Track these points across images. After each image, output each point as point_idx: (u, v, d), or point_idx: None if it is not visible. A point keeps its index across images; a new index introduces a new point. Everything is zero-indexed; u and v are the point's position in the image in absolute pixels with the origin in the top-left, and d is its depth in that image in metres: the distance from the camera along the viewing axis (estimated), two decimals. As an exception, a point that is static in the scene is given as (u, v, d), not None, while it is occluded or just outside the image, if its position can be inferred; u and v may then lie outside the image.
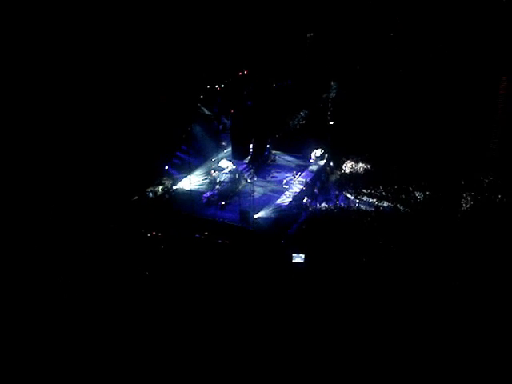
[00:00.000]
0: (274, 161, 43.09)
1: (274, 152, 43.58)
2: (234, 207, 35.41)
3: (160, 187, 38.04)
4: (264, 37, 43.53)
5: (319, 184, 39.90)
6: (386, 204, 36.41)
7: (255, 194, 36.11)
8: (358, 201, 37.20)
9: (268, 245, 31.66)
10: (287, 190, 38.14)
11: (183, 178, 38.73)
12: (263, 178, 40.20)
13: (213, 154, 40.59)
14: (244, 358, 23.20)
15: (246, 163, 39.86)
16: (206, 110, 39.62)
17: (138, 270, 28.77)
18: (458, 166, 39.40)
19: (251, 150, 38.58)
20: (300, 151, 43.70)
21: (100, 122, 37.40)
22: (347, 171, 41.89)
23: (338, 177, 41.55)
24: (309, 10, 47.35)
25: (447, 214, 34.22)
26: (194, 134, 40.21)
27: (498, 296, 26.28)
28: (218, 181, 37.91)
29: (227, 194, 37.08)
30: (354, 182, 39.79)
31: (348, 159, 43.00)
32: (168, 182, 38.63)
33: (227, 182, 37.83)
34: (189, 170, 38.18)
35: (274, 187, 39.00)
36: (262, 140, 39.88)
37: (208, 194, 37.02)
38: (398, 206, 36.05)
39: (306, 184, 38.54)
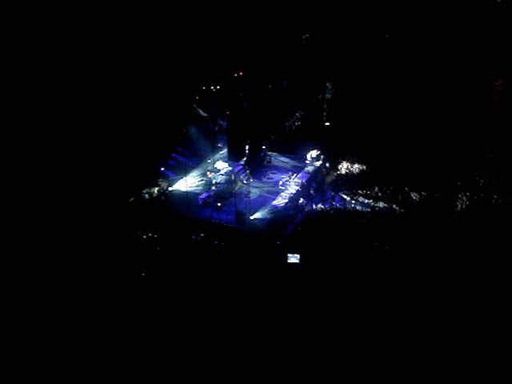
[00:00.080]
0: (270, 162, 43.11)
1: (269, 153, 43.60)
2: (230, 208, 35.40)
3: (156, 189, 38.00)
4: (259, 38, 43.55)
5: (315, 185, 39.92)
6: (381, 205, 36.47)
7: (251, 195, 36.12)
8: (353, 202, 37.26)
9: (264, 246, 31.65)
10: (283, 191, 38.16)
11: (179, 179, 38.70)
12: (259, 179, 40.23)
13: (208, 155, 40.57)
14: (241, 357, 23.18)
15: (241, 164, 39.87)
16: (201, 112, 39.54)
17: (134, 271, 28.70)
18: (453, 167, 39.51)
19: (247, 152, 38.59)
20: (296, 152, 43.74)
21: (96, 123, 37.35)
22: (343, 172, 41.95)
23: (334, 178, 41.59)
24: (304, 11, 47.41)
25: (443, 215, 34.29)
26: (190, 135, 40.17)
27: (494, 296, 26.34)
28: (213, 182, 37.89)
29: (223, 195, 37.08)
30: (349, 182, 39.85)
31: (344, 160, 43.06)
32: (164, 184, 38.60)
33: (223, 184, 37.82)
34: (185, 171, 38.14)
35: (270, 188, 39.01)
36: (257, 141, 39.90)
37: (204, 195, 37.02)
38: (393, 206, 36.11)
39: (302, 185, 38.56)
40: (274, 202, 36.75)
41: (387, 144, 43.05)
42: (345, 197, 38.01)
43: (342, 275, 28.28)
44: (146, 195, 37.27)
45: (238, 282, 27.95)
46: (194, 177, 39.52)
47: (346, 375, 22.48)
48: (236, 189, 38.51)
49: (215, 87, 38.86)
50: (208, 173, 39.40)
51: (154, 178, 38.65)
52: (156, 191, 37.88)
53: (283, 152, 44.40)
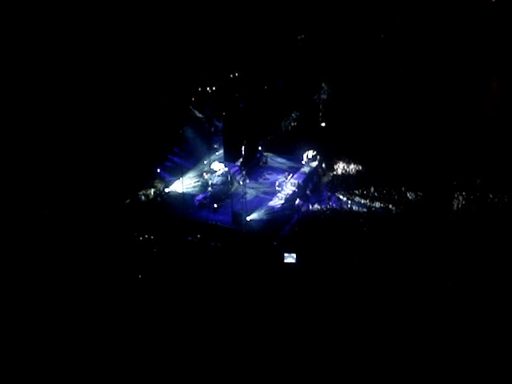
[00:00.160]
0: (266, 163, 43.07)
1: (265, 154, 43.56)
2: (227, 209, 35.41)
3: (152, 190, 37.96)
4: (255, 39, 43.61)
5: (311, 185, 39.93)
6: (378, 205, 36.53)
7: (247, 196, 36.16)
8: (350, 202, 37.30)
9: (260, 247, 31.67)
10: (279, 191, 38.17)
11: (175, 180, 38.67)
12: (255, 180, 40.21)
13: (205, 156, 40.54)
14: (239, 357, 23.20)
15: (238, 165, 39.90)
16: (197, 113, 39.57)
17: (131, 273, 28.68)
18: (449, 167, 39.61)
19: (243, 153, 38.60)
20: (292, 153, 43.72)
21: (92, 125, 37.30)
22: (339, 172, 41.99)
23: (330, 178, 41.62)
24: (299, 12, 47.50)
25: (439, 215, 34.38)
26: (186, 136, 40.18)
27: (491, 295, 26.42)
28: (210, 183, 37.89)
29: (219, 196, 37.09)
30: (346, 183, 39.89)
31: (340, 161, 43.10)
32: (160, 185, 38.56)
33: (219, 185, 37.83)
34: (181, 172, 38.11)
35: (267, 189, 39.01)
36: (253, 142, 39.92)
37: (200, 196, 37.01)
38: (390, 206, 36.18)
39: (298, 186, 38.59)
40: (271, 203, 36.78)
41: (383, 144, 43.13)
42: (341, 197, 38.06)
43: (339, 275, 28.33)
44: (143, 197, 37.23)
45: (235, 282, 27.95)
46: (190, 178, 39.50)
47: (342, 374, 22.50)
48: (232, 190, 38.51)
49: (211, 88, 38.91)
50: (204, 174, 39.39)
51: (150, 180, 38.60)
52: (152, 192, 37.83)
53: (279, 153, 44.38)
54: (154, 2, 41.33)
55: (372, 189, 38.04)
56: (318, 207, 36.90)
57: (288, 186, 38.67)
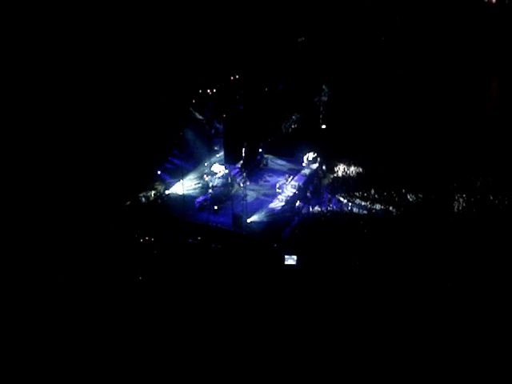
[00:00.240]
0: (267, 165, 43.11)
1: (266, 156, 43.61)
2: (227, 211, 35.39)
3: (152, 192, 37.94)
4: (256, 41, 43.65)
5: (312, 188, 39.96)
6: (378, 207, 36.52)
7: (248, 198, 36.13)
8: (350, 204, 37.29)
9: (261, 249, 31.65)
10: (280, 193, 38.18)
11: (176, 182, 38.71)
12: (256, 182, 40.23)
13: (205, 158, 40.55)
14: (239, 358, 23.19)
15: (238, 167, 39.91)
16: (198, 115, 39.57)
17: (131, 274, 28.66)
18: (449, 168, 39.62)
19: (243, 155, 38.60)
20: (292, 155, 43.79)
21: (93, 126, 37.30)
22: (340, 174, 42.00)
23: (331, 180, 41.63)
24: (300, 14, 47.58)
25: (439, 217, 34.37)
26: (187, 138, 40.19)
27: (491, 297, 26.40)
28: (210, 185, 37.89)
29: (220, 198, 37.08)
30: (346, 185, 39.89)
31: (340, 163, 43.12)
32: (160, 187, 38.55)
33: (220, 187, 37.83)
34: (181, 174, 38.13)
35: (267, 191, 39.03)
36: (254, 144, 39.92)
37: (201, 198, 36.99)
38: (390, 208, 36.17)
39: (299, 188, 38.60)
40: (271, 205, 36.79)
41: (384, 146, 43.16)
42: (341, 199, 38.05)
43: (339, 277, 28.31)
44: (143, 198, 37.21)
45: (236, 284, 27.93)
46: (190, 180, 39.54)
47: (342, 375, 22.49)
48: (233, 192, 38.50)
49: (211, 90, 38.92)
50: (205, 176, 39.41)
51: (150, 182, 38.58)
52: (153, 194, 37.82)
53: (280, 155, 44.44)
54: (155, 4, 41.38)
55: (372, 191, 38.04)
56: (319, 209, 36.88)
57: (288, 188, 38.70)
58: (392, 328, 24.77)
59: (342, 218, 35.34)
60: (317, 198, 38.96)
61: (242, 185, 37.59)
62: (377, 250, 30.65)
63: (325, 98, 46.83)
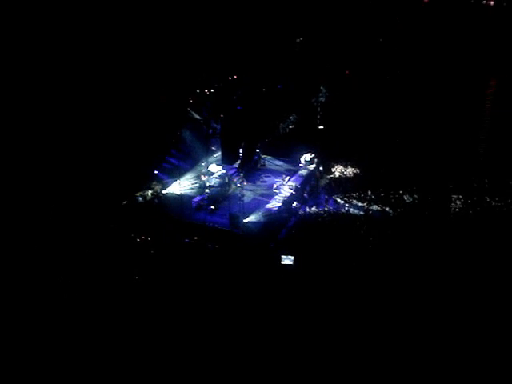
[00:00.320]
0: (264, 165, 43.16)
1: (263, 156, 43.65)
2: (224, 212, 35.40)
3: (149, 192, 37.93)
4: (254, 41, 43.64)
5: (309, 188, 40.01)
6: (375, 208, 36.57)
7: (245, 198, 36.13)
8: (347, 205, 37.33)
9: (258, 249, 31.66)
10: (277, 194, 38.20)
11: (173, 182, 38.71)
12: (253, 182, 40.24)
13: (202, 158, 40.55)
14: (236, 358, 23.20)
15: (235, 168, 39.91)
16: (195, 115, 39.58)
17: (127, 274, 28.65)
18: (446, 170, 39.70)
19: (241, 155, 38.63)
20: (289, 156, 43.83)
21: (89, 126, 37.28)
22: (337, 175, 42.06)
23: (328, 181, 41.67)
24: (298, 15, 47.59)
25: (436, 218, 34.44)
26: (184, 138, 40.20)
27: (487, 297, 26.47)
28: (207, 185, 37.86)
29: (217, 198, 37.07)
30: (343, 186, 39.94)
31: (337, 163, 43.17)
32: (157, 187, 38.54)
33: (217, 187, 37.80)
34: (178, 174, 38.14)
35: (264, 191, 39.05)
36: (251, 144, 39.95)
37: (198, 198, 36.99)
38: (387, 209, 36.23)
39: (296, 188, 38.63)
40: (268, 206, 36.80)
41: (381, 147, 43.23)
42: (338, 200, 38.08)
43: (336, 277, 28.34)
44: (140, 198, 37.18)
45: (233, 284, 27.94)
46: (187, 180, 39.54)
47: (339, 375, 22.53)
48: (230, 192, 38.53)
49: (209, 90, 38.92)
50: (202, 176, 39.40)
51: (147, 181, 38.58)
52: (150, 194, 37.81)
53: (277, 155, 44.49)
54: (153, 4, 41.36)
55: (369, 192, 38.09)
56: (316, 210, 36.91)
57: (285, 188, 38.73)
58: (389, 328, 24.82)
59: (338, 218, 35.36)
60: (314, 199, 38.98)
61: (239, 185, 37.58)
62: (373, 250, 30.71)
63: (322, 99, 46.82)
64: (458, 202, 36.23)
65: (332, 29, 49.14)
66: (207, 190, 37.42)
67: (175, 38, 40.86)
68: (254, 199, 37.86)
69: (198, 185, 39.13)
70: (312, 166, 42.36)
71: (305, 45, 48.78)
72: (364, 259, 29.87)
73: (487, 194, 36.69)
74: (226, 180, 38.66)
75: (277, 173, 41.67)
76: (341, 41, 49.35)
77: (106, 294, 27.14)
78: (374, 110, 47.29)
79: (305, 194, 38.98)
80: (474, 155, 41.60)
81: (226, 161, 37.41)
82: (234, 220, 33.91)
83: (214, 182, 38.17)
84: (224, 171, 39.40)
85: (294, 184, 39.11)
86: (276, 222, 35.20)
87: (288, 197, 37.75)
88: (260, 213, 35.64)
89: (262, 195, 38.52)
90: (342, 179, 41.29)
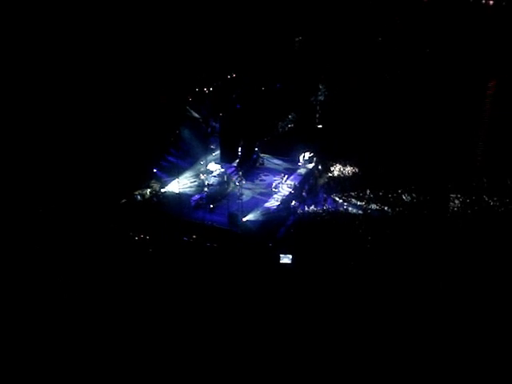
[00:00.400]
0: (263, 164, 43.16)
1: (262, 155, 43.65)
2: (223, 210, 35.40)
3: (148, 190, 37.92)
4: (253, 40, 43.62)
5: (307, 187, 40.01)
6: (373, 207, 36.59)
7: (244, 197, 36.13)
8: (346, 204, 37.35)
9: (256, 248, 31.68)
10: (275, 193, 38.21)
11: (172, 180, 38.69)
12: (252, 181, 40.24)
13: (201, 157, 40.56)
14: (235, 357, 23.22)
15: (234, 166, 39.90)
16: (194, 113, 39.57)
17: (126, 272, 28.65)
18: (445, 169, 39.72)
19: (240, 153, 38.63)
20: (288, 154, 43.81)
21: (88, 124, 37.25)
22: (335, 174, 42.07)
23: (327, 180, 41.69)
24: (297, 13, 47.55)
25: (434, 217, 34.47)
26: (183, 136, 40.17)
27: (486, 296, 26.52)
28: (206, 184, 37.89)
29: (216, 197, 37.08)
30: (342, 185, 39.95)
31: (336, 163, 43.18)
32: (156, 185, 38.53)
33: (216, 185, 37.82)
34: (177, 172, 38.13)
35: (263, 190, 39.06)
36: (250, 143, 39.94)
37: (196, 196, 37.00)
38: (385, 208, 36.25)
39: (295, 187, 38.65)
40: (267, 204, 36.81)
41: (380, 146, 43.22)
42: (337, 199, 38.10)
43: (334, 276, 28.37)
44: (139, 196, 37.17)
45: (231, 282, 27.96)
46: (186, 178, 39.54)
47: (337, 374, 22.56)
48: (228, 190, 38.52)
49: (208, 89, 38.91)
50: (201, 174, 39.40)
51: (146, 180, 38.58)
52: (148, 192, 37.80)
53: (276, 154, 44.47)
54: (152, 3, 41.32)
55: (368, 191, 38.11)
56: (314, 209, 36.93)
57: (284, 187, 38.74)
58: (387, 327, 24.85)
59: (337, 217, 35.38)
60: (312, 198, 39.00)
61: (237, 184, 37.59)
62: (372, 249, 30.73)
63: (321, 98, 46.84)
64: (457, 202, 36.26)
65: (331, 28, 49.09)
66: (206, 189, 37.44)
67: (175, 36, 40.83)
68: (252, 198, 37.87)
69: (196, 183, 39.13)
70: (311, 165, 42.38)
71: (304, 44, 48.75)
72: (362, 258, 29.89)
73: (486, 194, 36.72)
74: (225, 179, 38.67)
75: (275, 172, 41.68)
76: (340, 40, 49.30)
77: (105, 292, 27.15)
78: (372, 110, 47.26)
79: (303, 193, 38.99)
80: (472, 154, 41.60)
81: (224, 159, 37.40)
82: (233, 219, 33.92)
83: (212, 180, 38.18)
84: (223, 170, 39.39)
85: (292, 183, 39.11)
86: (274, 220, 35.22)
87: (287, 196, 37.76)
88: (259, 211, 35.65)
89: (261, 194, 38.53)
90: (341, 178, 41.30)
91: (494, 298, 26.52)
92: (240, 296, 27.00)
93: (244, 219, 34.38)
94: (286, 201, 37.21)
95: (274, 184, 39.10)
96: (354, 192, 38.38)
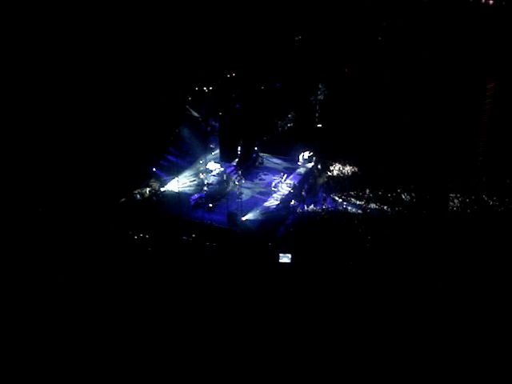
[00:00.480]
0: (262, 163, 43.18)
1: (261, 154, 43.66)
2: (222, 209, 35.41)
3: (147, 189, 37.90)
4: (252, 39, 43.61)
5: (307, 186, 40.02)
6: (373, 206, 36.60)
7: (243, 196, 36.15)
8: (345, 203, 37.36)
9: (255, 247, 31.68)
10: (275, 192, 38.22)
11: (171, 179, 38.69)
12: (251, 180, 40.27)
13: (201, 156, 40.57)
14: (233, 357, 23.22)
15: (233, 165, 39.92)
16: (194, 112, 39.56)
17: (125, 271, 28.64)
18: (445, 169, 39.74)
19: (239, 153, 38.63)
20: (288, 154, 43.84)
21: (87, 123, 37.22)
22: (335, 174, 42.08)
23: (326, 179, 41.70)
24: (297, 13, 47.54)
25: (434, 217, 34.48)
26: (182, 136, 40.17)
27: (485, 296, 26.53)
28: (205, 183, 37.90)
29: (215, 196, 37.09)
30: (341, 184, 39.97)
31: (336, 162, 43.19)
32: (156, 184, 38.53)
33: (215, 185, 37.84)
34: (176, 172, 38.13)
35: (262, 189, 39.08)
36: (249, 142, 39.97)
37: (196, 196, 36.99)
38: (385, 208, 36.26)
39: (294, 186, 38.65)
40: (266, 204, 36.83)
41: (379, 146, 43.23)
42: (336, 198, 38.10)
43: (333, 275, 28.37)
44: (138, 195, 37.15)
45: (230, 281, 27.96)
46: (185, 177, 39.55)
47: (336, 374, 22.56)
48: (228, 190, 38.52)
49: (208, 88, 38.89)
50: (200, 173, 39.41)
51: (145, 179, 38.55)
52: (148, 191, 37.78)
53: (275, 153, 44.50)
54: (151, 3, 41.30)
55: (367, 190, 38.12)
56: (314, 208, 36.94)
57: (283, 186, 38.75)
58: (387, 327, 24.86)
59: (336, 217, 35.39)
60: (312, 197, 39.02)
61: (237, 183, 37.59)
62: (371, 249, 30.73)
63: (321, 97, 46.83)
64: (456, 201, 36.27)
65: (331, 27, 49.08)
66: (205, 188, 37.46)
67: (174, 35, 40.80)
68: (252, 197, 37.88)
69: (196, 182, 39.13)
70: (310, 165, 42.39)
71: (304, 43, 48.74)
72: (362, 258, 29.89)
73: (485, 193, 36.73)
74: (224, 178, 38.68)
75: (275, 171, 41.70)
76: (340, 39, 49.29)
77: (104, 292, 27.14)
78: (372, 109, 47.25)
79: (303, 193, 38.99)
80: (472, 154, 41.62)
81: (224, 158, 37.43)
82: (232, 218, 33.93)
83: (212, 179, 38.21)
84: (222, 169, 39.42)
85: (292, 182, 39.12)
86: (274, 220, 35.23)
87: (286, 195, 37.77)
88: (258, 211, 35.66)
89: (260, 193, 38.54)
90: (340, 177, 41.31)
91: (493, 297, 26.54)
92: (239, 295, 27.00)
93: (243, 218, 34.38)
94: (285, 200, 37.21)
95: (273, 183, 39.11)
96: (353, 191, 38.40)
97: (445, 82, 46.89)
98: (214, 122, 39.53)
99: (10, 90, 34.63)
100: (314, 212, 36.39)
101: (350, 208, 36.70)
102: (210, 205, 35.98)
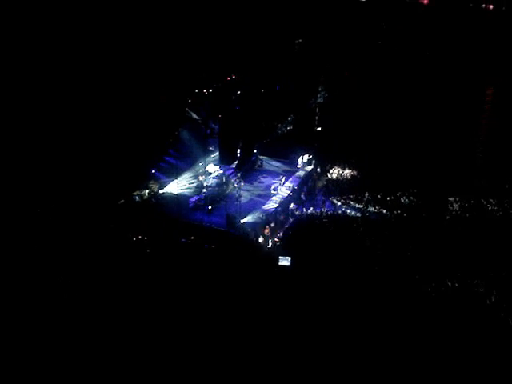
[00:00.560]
0: (261, 166, 43.19)
1: (261, 157, 43.66)
2: (221, 212, 35.40)
3: (147, 191, 37.89)
4: (253, 42, 43.69)
5: (306, 189, 40.01)
6: (372, 210, 36.61)
7: (242, 198, 36.12)
8: (344, 206, 37.36)
9: (254, 250, 31.66)
10: (274, 195, 38.21)
11: (170, 182, 38.68)
12: (250, 182, 40.29)
13: (200, 158, 40.55)
14: (232, 358, 23.20)
15: (233, 168, 39.90)
16: (193, 115, 39.55)
17: (124, 273, 28.62)
18: (444, 172, 39.79)
19: (238, 155, 38.62)
20: (287, 157, 43.86)
21: (87, 125, 37.26)
22: (334, 177, 42.09)
23: (325, 182, 41.72)
24: (297, 16, 47.67)
25: (433, 219, 34.50)
26: (182, 138, 40.15)
27: (484, 298, 26.55)
28: (205, 185, 37.89)
29: (214, 198, 37.07)
30: (340, 187, 39.97)
31: (335, 165, 43.21)
32: (155, 186, 38.52)
33: (214, 187, 37.82)
34: (176, 174, 38.11)
35: (261, 192, 39.09)
36: (249, 145, 39.93)
37: (195, 198, 36.99)
38: (384, 211, 36.26)
39: (293, 189, 38.64)
40: (265, 206, 36.81)
41: (378, 149, 43.28)
42: (335, 201, 38.12)
43: (333, 278, 28.37)
44: (137, 197, 37.14)
45: (229, 284, 27.94)
46: (185, 179, 39.55)
47: (335, 375, 22.56)
48: (227, 192, 38.52)
49: (208, 90, 38.91)
50: (199, 176, 39.40)
51: (145, 181, 38.55)
52: (147, 193, 37.77)
53: (275, 156, 44.52)
54: (152, 4, 41.39)
55: (366, 193, 38.13)
56: (313, 211, 36.92)
57: (283, 189, 38.74)
58: (385, 329, 24.85)
59: (335, 220, 35.38)
60: (311, 200, 39.02)
61: (236, 185, 37.58)
62: (370, 252, 30.72)
63: (321, 100, 46.88)
64: (455, 205, 36.29)
65: (331, 30, 49.20)
66: (204, 190, 37.45)
67: (174, 37, 40.88)
68: (251, 200, 37.89)
69: (195, 185, 39.15)
70: (309, 168, 42.39)
71: (304, 46, 48.84)
72: (360, 261, 29.88)
73: (484, 197, 36.76)
74: (224, 180, 38.68)
75: (274, 174, 41.71)
76: (340, 42, 49.41)
77: (104, 293, 27.11)
78: (372, 112, 47.34)
79: (302, 196, 38.98)
80: (471, 158, 41.68)
81: (223, 161, 37.40)
82: (231, 220, 33.91)
83: (211, 182, 38.18)
84: (221, 171, 39.42)
85: (291, 185, 39.11)
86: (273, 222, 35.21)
87: (285, 198, 37.76)
88: (257, 213, 35.63)
89: (259, 196, 38.55)
90: (339, 181, 41.34)
91: (492, 299, 26.54)
92: (238, 298, 26.97)
93: (242, 221, 34.37)
94: (284, 203, 37.21)
95: (272, 186, 39.10)
96: (352, 195, 38.42)
97: (444, 85, 47.02)
98: (213, 125, 39.50)
99: (10, 91, 34.69)
100: (313, 215, 36.39)
101: (349, 211, 36.72)
102: (209, 207, 35.96)
